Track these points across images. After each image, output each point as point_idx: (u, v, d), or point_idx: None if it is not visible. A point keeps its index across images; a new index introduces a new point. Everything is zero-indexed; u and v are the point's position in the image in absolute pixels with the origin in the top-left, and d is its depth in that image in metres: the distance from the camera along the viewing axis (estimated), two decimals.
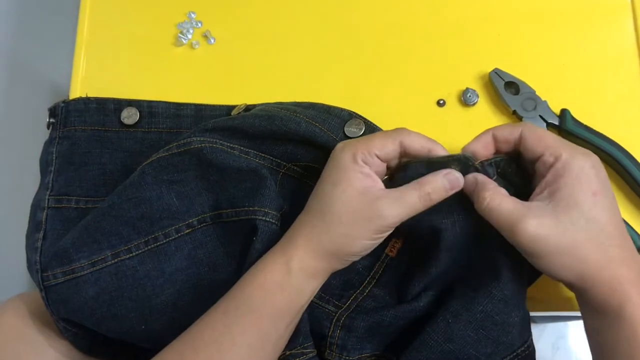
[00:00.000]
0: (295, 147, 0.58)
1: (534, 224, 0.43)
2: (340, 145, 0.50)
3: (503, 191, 0.47)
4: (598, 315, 0.45)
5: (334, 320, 0.54)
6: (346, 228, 0.47)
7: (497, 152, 0.50)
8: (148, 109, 0.64)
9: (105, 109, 0.64)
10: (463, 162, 0.49)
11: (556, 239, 0.43)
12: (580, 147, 0.46)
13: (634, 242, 0.52)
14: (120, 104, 0.64)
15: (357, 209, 0.47)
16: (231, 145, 0.57)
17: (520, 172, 0.50)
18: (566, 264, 0.44)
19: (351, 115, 0.60)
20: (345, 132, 0.59)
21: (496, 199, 0.46)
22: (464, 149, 0.50)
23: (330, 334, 0.54)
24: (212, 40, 0.69)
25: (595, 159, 0.46)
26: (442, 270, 0.52)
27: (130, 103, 0.64)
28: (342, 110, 0.61)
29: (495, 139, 0.50)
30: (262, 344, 0.48)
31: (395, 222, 0.47)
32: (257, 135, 0.57)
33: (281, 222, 0.56)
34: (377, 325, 0.53)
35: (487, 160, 0.50)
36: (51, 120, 0.64)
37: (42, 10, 1.23)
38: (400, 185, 0.48)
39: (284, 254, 0.49)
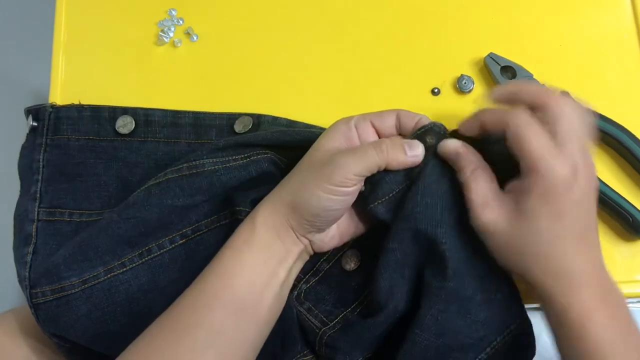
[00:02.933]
0: None
1: (489, 216, 0.45)
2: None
3: (485, 170, 0.47)
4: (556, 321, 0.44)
5: (317, 339, 0.52)
6: (302, 176, 0.48)
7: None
8: (144, 117, 0.62)
9: (99, 118, 0.62)
10: (437, 132, 0.49)
11: (505, 239, 0.44)
12: (567, 158, 0.42)
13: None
14: (115, 112, 0.62)
15: (316, 159, 0.48)
16: (245, 155, 0.54)
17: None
18: (512, 266, 0.45)
19: None
20: None
21: (476, 177, 0.46)
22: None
23: (317, 348, 0.52)
24: (195, 38, 0.66)
25: (579, 176, 0.42)
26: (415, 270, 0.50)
27: (125, 111, 0.62)
28: None
29: (482, 125, 0.48)
30: (236, 308, 0.46)
31: (350, 175, 0.45)
32: (270, 146, 0.55)
33: None
34: (360, 339, 0.50)
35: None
36: (33, 123, 0.61)
37: (19, 13, 1.19)
38: (378, 187, 0.48)
39: (253, 212, 0.49)
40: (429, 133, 0.49)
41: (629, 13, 0.62)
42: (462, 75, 0.61)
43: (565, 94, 0.52)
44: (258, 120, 0.61)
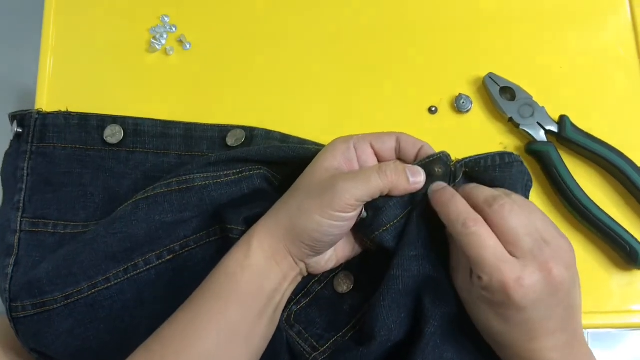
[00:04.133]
0: (301, 172, 0.55)
1: (457, 282, 0.46)
2: None
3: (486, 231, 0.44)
4: None
5: None
6: (300, 199, 0.46)
7: None
8: (133, 127, 0.60)
9: (87, 126, 0.60)
10: (444, 162, 0.48)
11: (465, 305, 0.46)
12: (518, 262, 0.42)
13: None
14: (103, 121, 0.60)
15: (315, 182, 0.46)
16: (237, 170, 0.53)
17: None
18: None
19: None
20: None
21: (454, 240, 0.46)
22: None
23: None
24: (188, 46, 0.64)
25: (528, 277, 0.41)
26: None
27: (114, 120, 0.60)
28: None
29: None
30: (230, 335, 0.44)
31: (352, 201, 0.44)
32: (263, 161, 0.54)
33: None
34: None
35: (459, 161, 0.49)
36: (18, 130, 0.59)
37: (8, 14, 1.17)
38: (382, 213, 0.47)
39: (247, 235, 0.47)
40: (437, 163, 0.48)
41: (630, 36, 0.61)
42: (460, 94, 0.60)
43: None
44: (251, 133, 0.59)
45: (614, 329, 0.56)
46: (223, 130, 0.60)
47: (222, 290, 0.45)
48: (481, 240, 0.42)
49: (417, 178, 0.47)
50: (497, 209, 0.43)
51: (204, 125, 0.60)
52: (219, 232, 0.53)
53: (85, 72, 0.65)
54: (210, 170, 0.53)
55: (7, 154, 0.60)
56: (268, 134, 0.59)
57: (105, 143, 0.59)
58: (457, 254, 0.47)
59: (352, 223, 0.46)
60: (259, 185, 0.53)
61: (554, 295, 0.42)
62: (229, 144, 0.59)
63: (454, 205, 0.45)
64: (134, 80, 0.64)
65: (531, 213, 0.44)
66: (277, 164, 0.54)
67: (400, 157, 0.49)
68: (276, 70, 0.63)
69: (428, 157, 0.48)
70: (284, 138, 0.59)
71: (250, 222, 0.50)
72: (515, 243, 0.42)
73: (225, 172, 0.53)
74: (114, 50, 0.65)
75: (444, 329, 0.47)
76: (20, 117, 0.59)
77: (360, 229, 0.48)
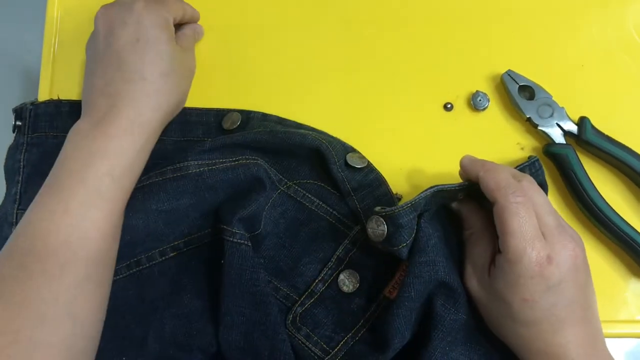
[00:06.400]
0: (299, 163, 0.54)
1: (473, 285, 0.46)
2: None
3: (483, 235, 0.47)
4: None
5: None
6: None
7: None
8: None
9: (78, 113, 0.58)
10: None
11: (484, 311, 0.46)
12: (547, 245, 0.42)
13: None
14: None
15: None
16: (234, 159, 0.52)
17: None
18: (496, 334, 0.46)
19: (354, 150, 0.56)
20: (347, 159, 0.54)
21: (472, 242, 0.48)
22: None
23: None
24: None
25: (554, 263, 0.42)
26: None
27: None
28: (344, 142, 0.57)
29: (474, 180, 0.47)
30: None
31: None
32: (259, 149, 0.53)
33: (261, 241, 0.52)
34: None
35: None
36: (17, 123, 0.58)
37: None
38: (404, 230, 0.47)
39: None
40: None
41: None
42: (477, 91, 0.58)
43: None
44: (247, 116, 0.58)
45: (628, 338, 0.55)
46: (219, 114, 0.58)
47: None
48: (527, 211, 0.42)
49: None
50: (526, 184, 0.44)
51: (200, 109, 0.59)
52: (218, 231, 0.52)
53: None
54: (205, 158, 0.52)
55: (9, 148, 0.59)
56: (264, 117, 0.58)
57: None
58: (472, 254, 0.47)
59: None
60: (256, 172, 0.52)
61: (577, 275, 0.42)
62: (225, 127, 0.57)
63: (503, 173, 0.45)
64: None
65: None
66: (275, 154, 0.53)
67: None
68: (281, 63, 0.60)
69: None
70: (281, 121, 0.58)
71: (244, 222, 0.50)
72: (542, 219, 0.43)
73: (221, 160, 0.52)
74: None
75: (453, 335, 0.46)
76: (19, 110, 0.58)
77: (380, 244, 0.48)
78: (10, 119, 0.58)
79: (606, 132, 0.55)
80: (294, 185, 0.54)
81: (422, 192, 0.46)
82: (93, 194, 0.46)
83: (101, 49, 0.51)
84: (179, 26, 0.57)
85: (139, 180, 0.52)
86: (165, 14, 0.53)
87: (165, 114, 0.52)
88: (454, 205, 0.50)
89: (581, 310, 0.43)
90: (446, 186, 0.47)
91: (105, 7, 0.53)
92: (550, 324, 0.42)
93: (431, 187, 0.46)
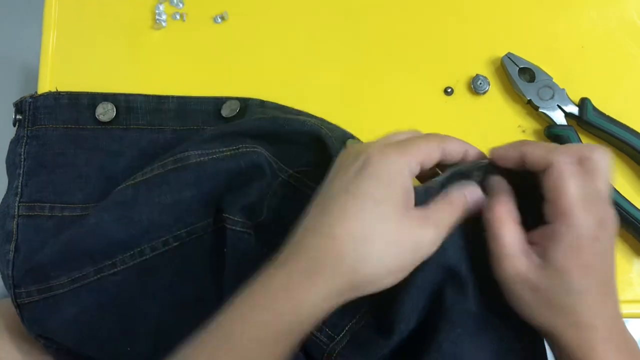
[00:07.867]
0: (299, 150, 0.53)
1: (517, 268, 0.42)
2: (375, 147, 0.41)
3: (514, 214, 0.44)
4: None
5: (325, 355, 0.49)
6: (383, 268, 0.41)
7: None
8: (125, 103, 0.58)
9: (78, 105, 0.58)
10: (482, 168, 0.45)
11: (530, 292, 0.42)
12: (598, 211, 0.41)
13: None
14: (94, 99, 0.58)
15: (395, 239, 0.40)
16: (234, 147, 0.52)
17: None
18: (534, 317, 0.43)
19: (354, 137, 0.55)
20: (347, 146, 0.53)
21: (503, 222, 0.43)
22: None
23: None
24: (180, 17, 0.62)
25: (603, 229, 0.41)
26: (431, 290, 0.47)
27: (105, 97, 0.58)
28: (344, 129, 0.56)
29: (522, 158, 0.44)
30: None
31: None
32: (259, 137, 0.52)
33: (263, 230, 0.52)
34: (372, 357, 0.47)
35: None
36: (18, 117, 0.58)
37: None
38: None
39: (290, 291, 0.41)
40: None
41: None
42: (477, 75, 0.57)
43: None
44: (245, 103, 0.58)
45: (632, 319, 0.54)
46: (217, 102, 0.58)
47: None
48: (580, 172, 0.41)
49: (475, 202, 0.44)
50: (575, 147, 0.42)
51: (198, 98, 0.59)
52: (221, 219, 0.52)
53: (90, 48, 0.62)
54: (205, 148, 0.52)
55: (10, 142, 0.59)
56: (262, 104, 0.58)
57: (97, 122, 0.58)
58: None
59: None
60: (257, 160, 0.52)
61: (614, 242, 0.42)
62: (223, 115, 0.57)
63: (543, 143, 0.43)
64: (139, 57, 0.61)
65: None
66: (275, 141, 0.53)
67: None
68: (280, 50, 0.60)
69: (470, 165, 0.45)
70: (280, 107, 0.58)
71: (246, 210, 0.49)
72: (593, 183, 0.41)
73: (221, 149, 0.52)
74: (119, 26, 0.62)
75: (462, 326, 0.45)
76: (19, 103, 0.58)
77: None
78: (10, 115, 0.58)
79: (607, 113, 0.55)
80: (294, 174, 0.54)
81: (438, 177, 0.44)
82: None
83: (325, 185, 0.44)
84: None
85: (142, 173, 0.52)
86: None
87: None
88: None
89: (610, 291, 0.42)
90: (462, 167, 0.45)
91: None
92: (599, 293, 0.41)
93: (448, 169, 0.45)
